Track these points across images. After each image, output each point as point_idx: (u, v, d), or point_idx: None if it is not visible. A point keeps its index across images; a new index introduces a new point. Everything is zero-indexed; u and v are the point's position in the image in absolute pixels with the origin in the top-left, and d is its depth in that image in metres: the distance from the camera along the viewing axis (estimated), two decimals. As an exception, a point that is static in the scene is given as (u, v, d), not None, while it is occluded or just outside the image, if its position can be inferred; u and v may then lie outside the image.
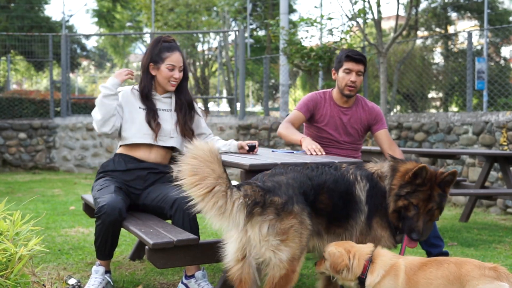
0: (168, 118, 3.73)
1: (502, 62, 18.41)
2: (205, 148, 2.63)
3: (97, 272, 3.41)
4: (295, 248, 2.68)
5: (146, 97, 3.69)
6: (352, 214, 2.85)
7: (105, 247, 3.37)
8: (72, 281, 3.51)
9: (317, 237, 2.86)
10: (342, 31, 10.16)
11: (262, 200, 2.65)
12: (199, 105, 3.96)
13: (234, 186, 2.68)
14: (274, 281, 2.69)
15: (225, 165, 3.59)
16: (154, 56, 3.69)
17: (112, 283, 3.49)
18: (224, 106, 24.68)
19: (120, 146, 3.77)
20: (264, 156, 3.64)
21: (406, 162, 3.00)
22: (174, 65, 3.67)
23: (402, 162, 2.99)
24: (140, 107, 3.69)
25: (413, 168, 2.84)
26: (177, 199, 3.31)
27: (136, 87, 3.76)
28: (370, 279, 2.60)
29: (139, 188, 3.63)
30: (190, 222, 3.32)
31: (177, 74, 3.69)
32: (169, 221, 3.48)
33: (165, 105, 3.76)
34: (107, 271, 3.47)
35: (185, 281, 3.45)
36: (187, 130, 3.77)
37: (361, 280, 2.63)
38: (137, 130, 3.65)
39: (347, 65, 4.03)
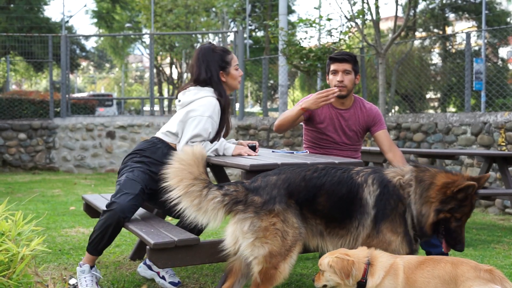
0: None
1: (500, 63, 18.45)
2: (189, 152, 2.87)
3: (83, 272, 3.38)
4: (274, 245, 2.75)
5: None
6: (356, 216, 2.82)
7: (99, 243, 3.36)
8: (73, 281, 3.52)
9: (319, 237, 2.89)
10: (341, 32, 10.19)
11: (244, 199, 2.80)
12: None
13: (216, 185, 2.86)
14: (256, 276, 2.77)
15: (226, 165, 3.62)
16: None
17: (100, 276, 3.47)
18: (223, 106, 24.64)
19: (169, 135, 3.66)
20: (265, 156, 3.65)
21: (430, 169, 2.86)
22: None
23: (427, 171, 2.85)
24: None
25: (455, 183, 2.73)
26: None
27: None
28: (371, 282, 2.58)
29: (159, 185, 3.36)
30: None
31: None
32: (168, 219, 3.49)
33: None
34: (91, 266, 3.42)
35: (148, 262, 3.50)
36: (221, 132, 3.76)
37: (360, 284, 2.60)
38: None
39: (332, 66, 4.08)
